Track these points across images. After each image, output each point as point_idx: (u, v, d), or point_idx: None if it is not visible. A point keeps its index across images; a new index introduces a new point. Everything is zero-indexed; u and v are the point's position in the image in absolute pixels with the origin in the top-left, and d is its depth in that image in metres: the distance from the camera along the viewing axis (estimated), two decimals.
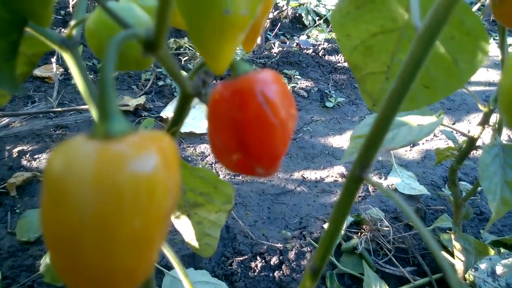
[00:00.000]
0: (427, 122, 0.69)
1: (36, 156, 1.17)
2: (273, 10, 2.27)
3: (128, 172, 0.17)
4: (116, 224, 0.17)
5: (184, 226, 0.57)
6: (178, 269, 0.47)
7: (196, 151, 1.28)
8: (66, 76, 1.62)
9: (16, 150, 1.18)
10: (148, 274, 0.20)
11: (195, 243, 0.58)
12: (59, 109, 1.25)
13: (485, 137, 1.43)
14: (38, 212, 1.00)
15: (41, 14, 0.25)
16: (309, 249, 0.97)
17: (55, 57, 1.56)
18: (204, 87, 0.32)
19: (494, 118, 0.71)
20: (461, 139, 0.82)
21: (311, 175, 1.27)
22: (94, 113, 0.37)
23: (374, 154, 0.31)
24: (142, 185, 0.17)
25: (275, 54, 1.79)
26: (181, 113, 0.34)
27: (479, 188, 1.23)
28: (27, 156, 1.17)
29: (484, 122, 0.70)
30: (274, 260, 0.94)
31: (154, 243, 0.19)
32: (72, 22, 0.33)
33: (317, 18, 2.44)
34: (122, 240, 0.17)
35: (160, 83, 1.59)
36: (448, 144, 1.51)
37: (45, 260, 0.84)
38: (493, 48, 2.15)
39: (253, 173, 0.29)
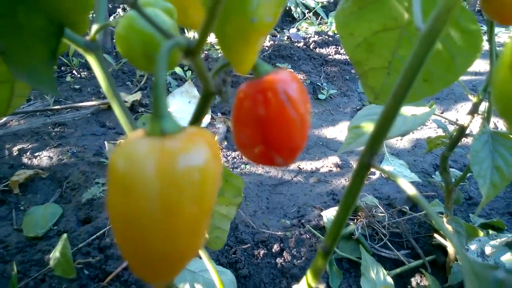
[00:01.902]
0: (420, 112, 0.73)
1: (36, 154, 1.18)
2: None
3: (185, 164, 0.20)
4: (177, 210, 0.20)
5: None
6: (205, 258, 0.50)
7: None
8: (60, 74, 1.62)
9: (16, 148, 1.20)
10: (197, 254, 0.23)
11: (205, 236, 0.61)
12: (57, 106, 1.26)
13: (473, 125, 1.48)
14: (44, 208, 1.02)
15: (80, 24, 0.28)
16: (308, 236, 1.01)
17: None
18: (224, 86, 0.35)
19: (482, 107, 0.75)
20: (451, 128, 0.87)
21: (307, 165, 1.31)
22: (117, 111, 0.40)
23: (381, 143, 0.35)
24: (197, 175, 0.20)
25: (267, 48, 1.82)
26: (203, 109, 0.37)
27: (468, 174, 1.28)
28: (28, 154, 1.18)
29: (474, 111, 0.74)
30: (275, 248, 0.98)
31: (205, 226, 0.22)
32: (95, 27, 0.36)
33: (306, 11, 2.46)
34: (182, 224, 0.20)
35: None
36: (437, 132, 1.56)
37: (55, 254, 0.87)
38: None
39: (273, 163, 0.32)
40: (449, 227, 0.88)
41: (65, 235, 0.87)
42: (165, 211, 0.20)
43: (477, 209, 0.72)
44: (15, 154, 1.18)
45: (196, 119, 0.38)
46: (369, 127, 0.75)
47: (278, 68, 0.30)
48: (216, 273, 0.51)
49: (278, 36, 2.14)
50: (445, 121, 1.24)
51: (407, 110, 0.75)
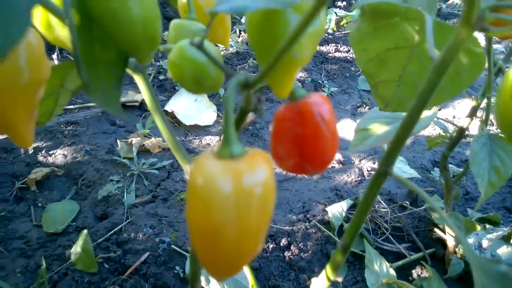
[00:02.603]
0: (424, 115, 0.78)
1: (51, 152, 1.22)
2: None
3: (252, 181, 0.25)
4: (248, 218, 0.25)
5: None
6: None
7: (202, 142, 1.36)
8: None
9: (31, 147, 1.23)
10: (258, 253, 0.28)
11: None
12: (71, 106, 1.30)
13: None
14: (62, 205, 1.07)
15: (147, 57, 0.32)
16: (313, 230, 1.07)
17: (55, 54, 1.59)
18: (259, 104, 0.40)
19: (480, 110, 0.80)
20: (451, 127, 0.92)
21: None
22: (158, 123, 0.45)
23: (397, 153, 0.40)
24: (261, 189, 0.25)
25: None
26: (238, 125, 0.42)
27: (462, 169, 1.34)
28: (43, 152, 1.22)
29: (472, 114, 0.79)
30: (283, 242, 1.03)
31: (265, 231, 0.27)
32: None
33: None
34: (250, 229, 0.25)
35: (161, 77, 1.64)
36: (435, 129, 1.61)
37: (75, 249, 0.92)
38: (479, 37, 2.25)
39: (305, 172, 0.37)
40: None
41: (85, 231, 0.92)
42: (239, 219, 0.24)
43: (476, 205, 0.78)
44: (30, 152, 1.22)
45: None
46: (375, 129, 0.80)
47: (312, 93, 0.34)
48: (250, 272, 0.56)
49: None
50: (445, 122, 1.30)
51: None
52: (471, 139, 0.77)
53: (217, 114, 1.48)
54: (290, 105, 0.34)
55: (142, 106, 1.47)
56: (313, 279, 0.53)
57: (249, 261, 0.27)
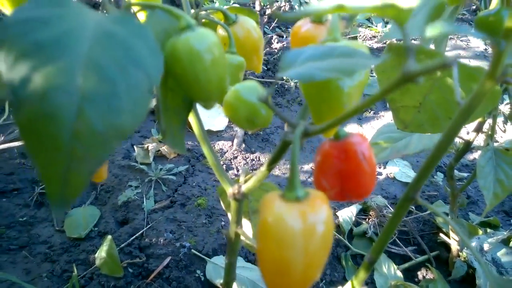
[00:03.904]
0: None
1: None
2: (273, 6, 2.35)
3: (316, 221, 0.29)
4: (313, 254, 0.29)
5: (245, 228, 0.70)
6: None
7: (215, 147, 1.40)
8: None
9: None
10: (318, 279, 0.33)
11: (248, 236, 0.71)
12: None
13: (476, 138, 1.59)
14: (83, 210, 1.11)
15: (212, 104, 0.37)
16: None
17: None
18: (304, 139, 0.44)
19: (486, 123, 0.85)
20: (457, 139, 0.97)
21: None
22: (206, 152, 0.49)
23: (424, 181, 0.44)
24: (324, 227, 0.30)
25: (276, 50, 1.90)
26: (280, 154, 0.46)
27: (465, 175, 1.39)
28: None
29: (479, 129, 0.84)
30: None
31: (325, 261, 0.32)
32: None
33: None
34: (315, 262, 0.30)
35: None
36: None
37: (100, 254, 0.96)
38: (473, 40, 2.30)
39: (345, 200, 0.42)
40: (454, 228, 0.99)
41: (109, 236, 0.96)
42: (306, 253, 0.29)
43: (482, 214, 0.83)
44: None
45: (273, 161, 0.47)
46: (389, 143, 0.85)
47: (354, 133, 0.39)
48: None
49: (284, 36, 2.21)
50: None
51: None
52: (474, 149, 0.82)
53: (229, 119, 1.52)
54: (335, 144, 0.39)
55: (154, 111, 1.51)
56: None
57: (311, 286, 0.32)
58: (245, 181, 0.55)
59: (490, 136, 0.82)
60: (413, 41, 0.34)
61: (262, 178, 0.50)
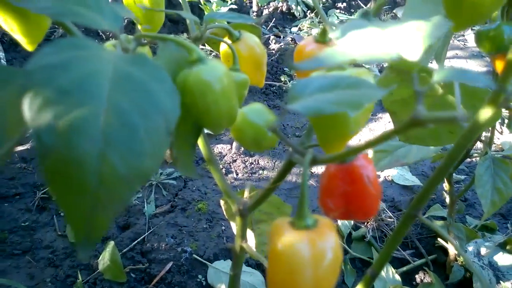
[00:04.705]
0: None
1: None
2: (270, 6, 2.36)
3: (325, 248, 0.31)
4: (322, 278, 0.31)
5: (248, 237, 0.71)
6: None
7: (214, 151, 1.41)
8: None
9: None
10: None
11: (253, 250, 0.72)
12: None
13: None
14: None
15: (221, 130, 0.38)
16: None
17: None
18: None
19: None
20: None
21: (318, 169, 1.43)
22: (212, 170, 0.50)
23: (426, 201, 0.46)
24: (332, 254, 0.31)
25: (274, 52, 1.91)
26: (284, 174, 0.47)
27: (463, 177, 1.41)
28: None
29: (477, 138, 0.86)
30: None
31: (334, 284, 0.33)
32: None
33: (306, 9, 2.54)
34: (325, 286, 0.31)
35: None
36: None
37: (103, 259, 0.97)
38: (470, 39, 2.32)
39: (349, 219, 0.43)
40: (451, 233, 1.01)
41: (112, 242, 0.97)
42: (315, 278, 0.30)
43: (481, 220, 0.85)
44: None
45: (278, 180, 0.49)
46: (387, 152, 0.86)
47: (358, 156, 0.40)
48: None
49: (282, 36, 2.22)
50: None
51: None
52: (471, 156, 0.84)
53: None
54: (340, 167, 0.40)
55: None
56: None
57: None
58: (250, 197, 0.56)
59: (489, 145, 0.84)
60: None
61: (267, 195, 0.51)
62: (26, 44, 0.42)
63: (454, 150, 0.41)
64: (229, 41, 0.51)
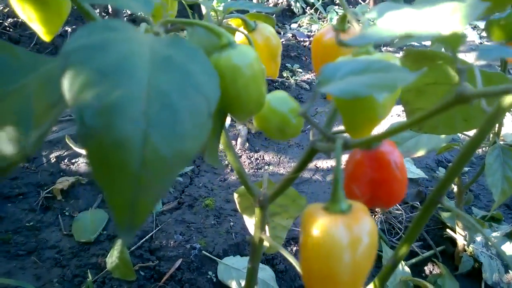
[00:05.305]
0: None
1: (73, 161, 1.26)
2: (269, 3, 2.35)
3: (361, 232, 0.30)
4: (360, 263, 0.30)
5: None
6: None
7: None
8: None
9: (53, 156, 1.26)
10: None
11: (272, 241, 0.71)
12: None
13: None
14: (91, 214, 1.11)
15: (249, 117, 0.37)
16: None
17: None
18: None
19: None
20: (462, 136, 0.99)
21: (323, 164, 1.43)
22: (230, 156, 0.49)
23: (448, 187, 0.45)
24: (368, 238, 0.30)
25: None
26: (306, 162, 0.47)
27: (467, 168, 1.42)
28: (65, 161, 1.25)
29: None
30: None
31: (370, 268, 0.32)
32: None
33: (305, 5, 2.54)
34: (361, 271, 0.31)
35: None
36: None
37: (111, 258, 0.96)
38: (469, 33, 2.33)
39: (374, 207, 0.42)
40: (460, 224, 1.01)
41: (120, 240, 0.96)
42: (353, 264, 0.30)
43: (491, 210, 0.85)
44: (53, 161, 1.25)
45: (299, 169, 0.48)
46: (396, 143, 0.86)
47: (384, 142, 0.39)
48: None
49: (282, 33, 2.21)
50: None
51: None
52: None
53: (231, 117, 1.52)
54: (367, 153, 0.39)
55: None
56: None
57: None
58: (268, 188, 0.55)
59: (497, 134, 0.84)
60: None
61: (287, 185, 0.51)
62: (44, 34, 0.41)
63: (477, 135, 0.41)
64: (245, 31, 0.51)
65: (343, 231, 0.30)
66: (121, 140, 0.22)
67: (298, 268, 0.49)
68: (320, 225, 0.30)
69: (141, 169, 0.22)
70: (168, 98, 0.23)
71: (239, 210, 0.69)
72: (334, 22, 2.29)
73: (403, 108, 0.54)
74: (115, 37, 0.25)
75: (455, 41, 0.23)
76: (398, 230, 1.14)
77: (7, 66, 0.31)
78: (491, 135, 0.86)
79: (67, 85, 0.22)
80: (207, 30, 0.32)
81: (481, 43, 2.37)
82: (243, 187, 0.63)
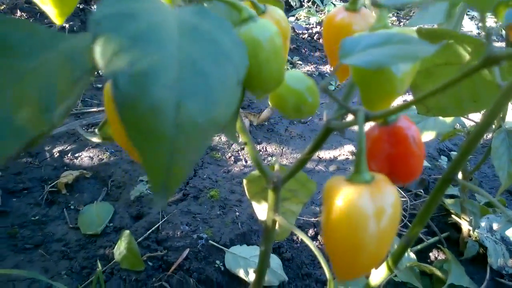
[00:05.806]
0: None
1: (76, 155, 1.25)
2: None
3: (386, 202, 0.30)
4: (384, 234, 0.30)
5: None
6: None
7: (221, 139, 1.40)
8: None
9: (56, 150, 1.26)
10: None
11: (286, 222, 0.71)
12: (93, 109, 1.32)
13: None
14: (96, 206, 1.10)
15: (266, 94, 0.37)
16: None
17: None
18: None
19: None
20: (467, 122, 0.99)
21: (325, 154, 1.43)
22: (249, 149, 0.50)
23: (462, 166, 0.45)
24: (391, 209, 0.31)
25: None
26: (321, 141, 0.47)
27: (469, 157, 1.42)
28: (69, 155, 1.25)
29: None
30: (310, 232, 1.10)
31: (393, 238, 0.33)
32: None
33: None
34: (386, 242, 0.31)
35: None
36: None
37: (119, 249, 0.97)
38: (466, 24, 2.33)
39: (392, 182, 0.43)
40: (465, 209, 1.02)
41: (127, 231, 0.96)
42: (378, 234, 0.30)
43: (497, 194, 0.85)
44: (56, 156, 1.24)
45: (314, 149, 0.48)
46: None
47: (401, 116, 0.40)
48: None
49: None
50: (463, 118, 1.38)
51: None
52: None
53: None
54: (384, 129, 0.39)
55: None
56: (373, 270, 0.60)
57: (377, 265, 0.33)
58: (280, 171, 0.55)
59: (502, 118, 0.84)
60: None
61: (301, 166, 0.51)
62: (56, 17, 0.41)
63: (490, 114, 0.41)
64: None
65: (368, 200, 0.30)
66: (155, 106, 0.22)
67: (308, 252, 0.49)
68: (345, 195, 0.31)
69: (176, 135, 0.22)
70: (199, 65, 0.23)
71: (248, 196, 0.69)
72: None
73: (407, 96, 0.54)
74: (142, 7, 0.25)
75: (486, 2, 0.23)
76: (403, 218, 1.14)
77: (27, 43, 0.31)
78: (496, 120, 0.87)
79: (100, 51, 0.22)
80: (228, 4, 0.32)
81: (479, 33, 2.38)
82: (251, 173, 0.63)
